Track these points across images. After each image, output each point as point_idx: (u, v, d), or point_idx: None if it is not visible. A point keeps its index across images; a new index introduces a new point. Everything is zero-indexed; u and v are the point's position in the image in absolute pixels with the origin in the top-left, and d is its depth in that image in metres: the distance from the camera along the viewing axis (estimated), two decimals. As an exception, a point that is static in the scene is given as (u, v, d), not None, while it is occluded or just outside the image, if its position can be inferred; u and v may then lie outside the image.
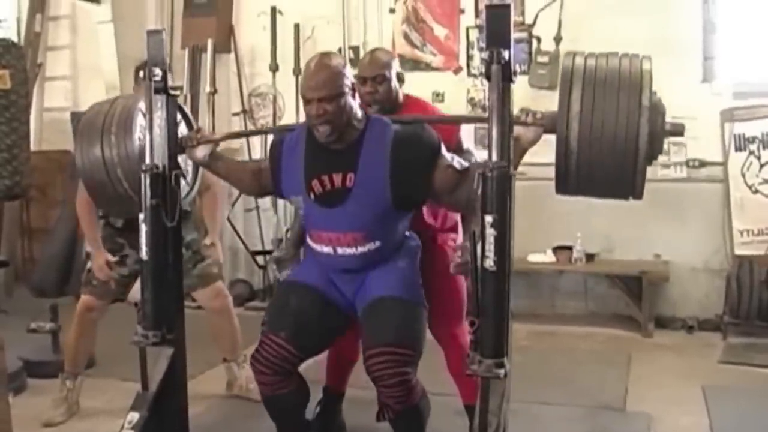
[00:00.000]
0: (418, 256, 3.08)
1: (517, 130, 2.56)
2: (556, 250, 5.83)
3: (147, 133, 2.96)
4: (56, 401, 3.95)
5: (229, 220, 6.37)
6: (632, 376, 4.61)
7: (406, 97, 3.41)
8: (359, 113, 2.88)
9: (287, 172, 2.97)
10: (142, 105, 3.06)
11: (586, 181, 2.59)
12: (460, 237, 3.38)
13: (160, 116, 2.99)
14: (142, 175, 2.95)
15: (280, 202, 6.36)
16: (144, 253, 3.00)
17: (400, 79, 3.35)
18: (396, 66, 3.34)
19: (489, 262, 2.41)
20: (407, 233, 3.05)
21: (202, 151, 3.09)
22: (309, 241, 3.04)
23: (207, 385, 4.27)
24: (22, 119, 4.49)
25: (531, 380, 4.11)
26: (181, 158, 3.16)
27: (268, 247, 6.48)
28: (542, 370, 4.55)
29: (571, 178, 2.58)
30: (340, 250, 2.92)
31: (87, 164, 3.09)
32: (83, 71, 7.15)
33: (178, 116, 3.22)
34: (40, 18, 7.04)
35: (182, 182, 3.23)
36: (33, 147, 5.19)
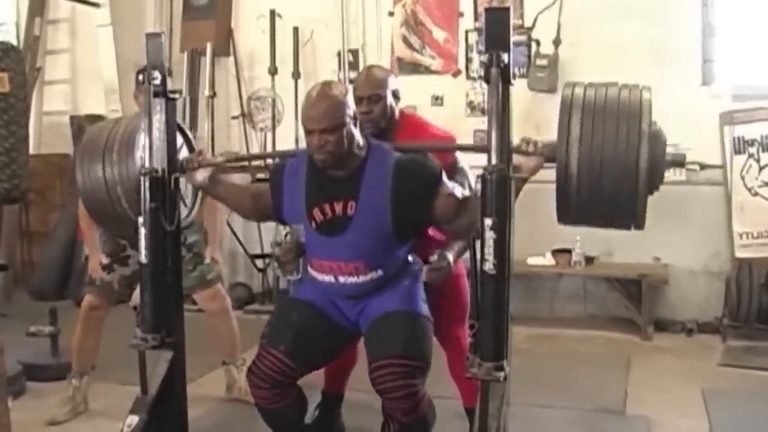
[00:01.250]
0: (421, 277, 3.07)
1: (518, 159, 2.56)
2: (556, 253, 5.83)
3: (146, 136, 2.96)
4: (63, 400, 3.99)
5: (228, 223, 6.36)
6: (632, 379, 4.61)
7: (402, 114, 3.38)
8: (361, 141, 2.86)
9: (288, 199, 2.96)
10: (144, 124, 3.06)
11: (587, 212, 2.60)
12: None
13: (159, 120, 2.99)
14: (141, 179, 2.94)
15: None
16: (143, 257, 3.00)
17: (396, 96, 3.32)
18: (393, 83, 3.31)
19: (488, 266, 2.41)
20: (410, 258, 3.03)
21: (202, 175, 3.09)
22: (310, 269, 3.02)
23: (206, 389, 4.27)
24: (20, 122, 4.49)
25: (530, 383, 4.11)
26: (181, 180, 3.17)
27: (267, 250, 6.48)
28: (541, 373, 4.55)
29: (572, 208, 2.60)
30: (341, 279, 2.91)
31: (87, 183, 3.11)
32: (82, 75, 7.16)
33: (180, 139, 3.24)
34: (40, 21, 7.05)
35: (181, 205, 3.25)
36: (32, 150, 5.19)
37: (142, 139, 3.03)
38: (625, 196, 2.51)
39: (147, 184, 2.94)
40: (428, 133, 3.35)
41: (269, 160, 5.33)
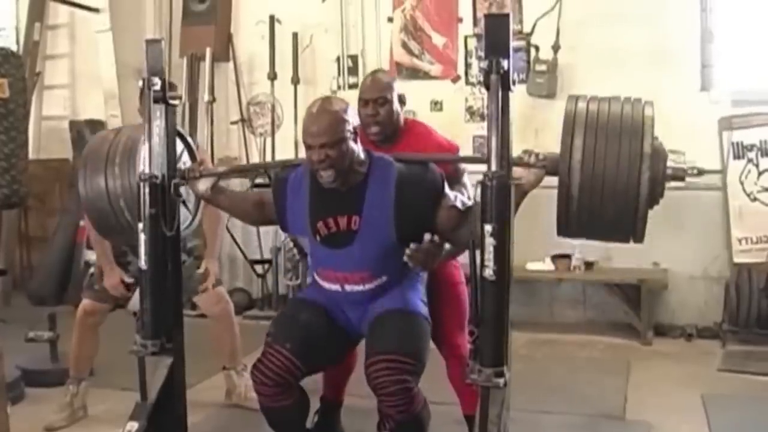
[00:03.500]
0: (423, 280, 3.09)
1: (519, 172, 2.57)
2: (555, 258, 5.83)
3: (146, 142, 2.96)
4: (61, 406, 3.96)
5: (228, 228, 6.35)
6: (631, 384, 4.61)
7: (408, 122, 3.40)
8: (362, 155, 2.88)
9: (292, 211, 2.99)
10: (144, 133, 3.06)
11: (587, 226, 2.63)
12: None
13: (158, 125, 2.99)
14: (141, 184, 2.95)
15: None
16: (143, 262, 3.00)
17: (402, 101, 3.33)
18: (398, 88, 3.32)
19: (488, 272, 2.41)
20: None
21: (204, 184, 3.09)
22: (316, 277, 3.05)
23: (206, 394, 4.26)
24: (20, 128, 4.51)
25: (530, 389, 4.10)
26: (183, 189, 3.17)
27: (267, 256, 6.48)
28: (541, 379, 4.54)
29: (573, 222, 2.62)
30: (348, 288, 2.95)
31: (90, 193, 3.11)
32: (82, 80, 7.17)
33: (181, 146, 3.24)
34: (39, 27, 7.05)
35: (183, 211, 3.25)
36: (31, 155, 5.21)
37: (144, 152, 3.02)
38: (625, 214, 2.54)
39: (146, 189, 2.94)
40: (434, 142, 3.35)
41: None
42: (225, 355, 4.17)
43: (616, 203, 2.52)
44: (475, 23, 6.07)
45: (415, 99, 5.84)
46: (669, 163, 2.61)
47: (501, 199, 2.42)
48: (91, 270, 4.03)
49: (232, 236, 6.38)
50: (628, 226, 2.58)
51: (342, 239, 2.89)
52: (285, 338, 2.92)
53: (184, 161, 3.26)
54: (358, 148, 2.86)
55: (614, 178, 2.50)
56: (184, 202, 3.25)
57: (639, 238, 2.63)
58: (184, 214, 3.31)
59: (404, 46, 6.30)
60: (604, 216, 2.55)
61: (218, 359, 4.22)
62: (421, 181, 2.85)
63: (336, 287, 2.97)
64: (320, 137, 2.77)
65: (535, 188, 2.63)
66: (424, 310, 3.00)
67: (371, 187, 2.87)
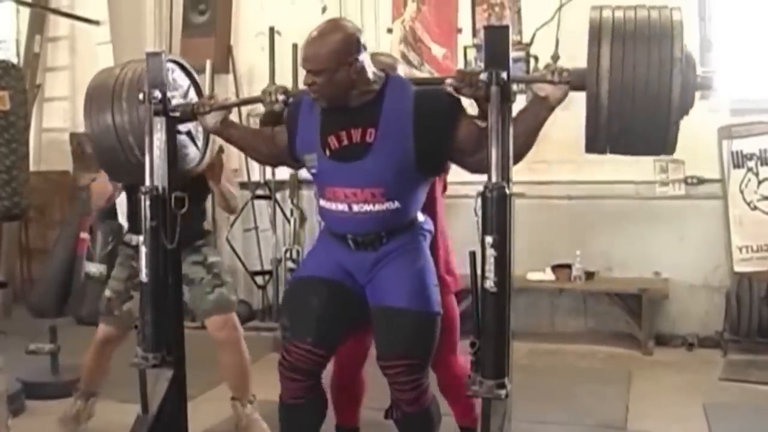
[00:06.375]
0: (428, 242, 2.99)
1: (545, 89, 2.54)
2: (556, 268, 5.83)
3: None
4: (63, 419, 3.86)
5: (228, 240, 6.37)
6: (633, 394, 4.60)
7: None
8: (369, 77, 2.78)
9: (303, 129, 2.90)
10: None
11: (617, 138, 2.53)
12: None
13: (159, 138, 2.99)
14: (142, 197, 2.95)
15: (279, 221, 6.38)
16: (143, 275, 3.00)
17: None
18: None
19: (489, 283, 2.41)
20: (422, 218, 2.97)
21: (213, 118, 3.04)
22: (322, 202, 2.91)
23: (207, 407, 4.25)
24: (21, 140, 4.50)
25: (531, 399, 4.10)
26: (192, 125, 3.15)
27: (267, 267, 6.48)
28: (542, 389, 4.54)
29: (602, 135, 2.52)
30: (356, 207, 2.80)
31: (97, 130, 3.05)
32: (82, 92, 7.11)
33: (187, 82, 3.21)
34: (39, 39, 7.08)
35: (192, 149, 3.20)
36: (32, 168, 5.20)
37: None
38: (657, 124, 2.45)
39: (147, 202, 2.94)
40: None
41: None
42: (233, 385, 3.89)
43: (647, 115, 2.43)
44: (475, 34, 6.08)
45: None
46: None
47: (501, 210, 2.41)
48: (107, 293, 3.77)
49: (232, 248, 6.39)
50: (660, 136, 2.48)
51: (354, 152, 2.78)
52: (304, 331, 2.87)
53: (191, 97, 3.23)
54: (359, 74, 2.75)
55: (645, 85, 2.41)
56: (193, 139, 3.22)
57: (671, 148, 2.53)
58: (193, 152, 3.28)
59: (404, 57, 6.30)
60: (635, 125, 2.46)
61: (228, 387, 3.97)
62: (440, 97, 2.74)
63: (343, 207, 2.81)
64: (307, 63, 2.72)
65: (560, 105, 2.56)
66: (435, 301, 2.87)
67: (388, 100, 2.78)
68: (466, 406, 3.37)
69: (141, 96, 2.98)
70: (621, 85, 2.43)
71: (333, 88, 2.74)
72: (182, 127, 3.17)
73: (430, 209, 3.12)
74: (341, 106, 2.79)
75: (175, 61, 3.25)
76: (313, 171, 2.90)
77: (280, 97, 2.92)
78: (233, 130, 3.13)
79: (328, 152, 2.82)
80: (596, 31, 2.48)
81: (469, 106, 2.72)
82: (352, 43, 2.74)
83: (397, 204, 2.80)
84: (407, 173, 2.78)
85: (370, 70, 2.79)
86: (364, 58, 2.76)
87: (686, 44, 2.46)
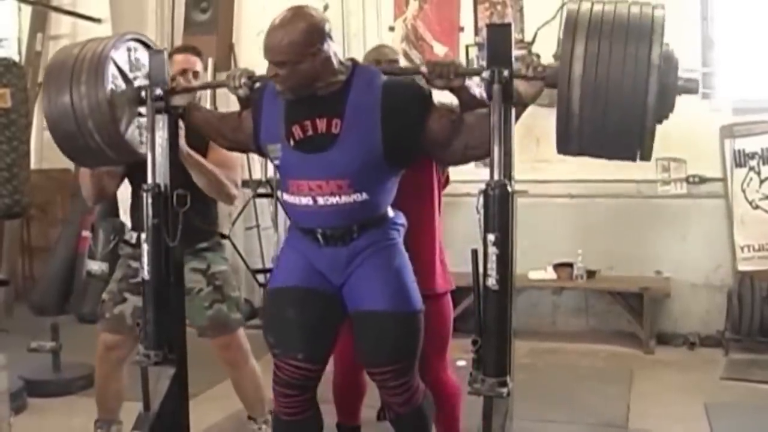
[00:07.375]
0: (402, 237, 2.87)
1: (519, 84, 2.43)
2: (557, 267, 5.83)
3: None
4: None
5: (229, 238, 6.35)
6: (634, 393, 4.60)
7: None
8: (335, 67, 2.65)
9: (267, 117, 2.78)
10: (113, 52, 2.86)
11: (590, 141, 2.38)
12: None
13: (161, 136, 2.98)
14: (144, 195, 2.94)
15: (281, 219, 6.37)
16: (145, 273, 2.99)
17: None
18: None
19: (491, 281, 2.40)
20: (391, 212, 2.83)
21: (178, 101, 2.93)
22: (286, 196, 2.79)
23: (208, 404, 4.25)
24: (22, 138, 4.51)
25: (532, 398, 4.10)
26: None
27: (269, 265, 6.48)
28: (543, 388, 4.54)
29: (573, 139, 2.38)
30: (321, 200, 2.68)
31: (54, 113, 2.87)
32: (84, 90, 7.17)
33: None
34: (41, 37, 7.08)
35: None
36: (33, 166, 5.22)
37: (112, 68, 2.84)
38: (630, 129, 2.31)
39: (149, 200, 2.93)
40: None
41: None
42: (246, 404, 3.73)
43: (621, 118, 2.29)
44: (476, 32, 6.08)
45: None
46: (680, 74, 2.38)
47: (503, 208, 2.40)
48: (104, 296, 3.57)
49: (233, 246, 6.38)
50: (634, 141, 2.34)
51: (319, 143, 2.66)
52: (292, 348, 2.79)
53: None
54: (324, 65, 2.63)
55: (619, 92, 2.26)
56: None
57: (646, 154, 2.39)
58: None
59: (405, 55, 6.30)
60: (608, 132, 2.32)
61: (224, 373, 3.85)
62: (409, 87, 2.69)
63: (307, 200, 2.69)
64: (268, 54, 2.62)
65: (534, 102, 2.47)
66: (416, 299, 2.78)
67: (355, 90, 2.67)
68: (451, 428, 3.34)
69: (143, 93, 2.94)
70: (594, 86, 2.29)
71: (296, 80, 2.63)
72: (143, 110, 3.00)
73: (429, 208, 3.12)
74: (302, 94, 2.69)
75: (138, 40, 3.04)
76: (276, 162, 2.79)
77: (244, 81, 2.79)
78: (198, 114, 3.02)
79: (292, 142, 2.71)
80: (571, 27, 2.35)
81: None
82: (315, 33, 2.61)
83: (365, 195, 2.69)
84: (375, 165, 2.67)
85: (336, 59, 2.67)
86: (329, 47, 2.64)
87: (668, 44, 2.37)
